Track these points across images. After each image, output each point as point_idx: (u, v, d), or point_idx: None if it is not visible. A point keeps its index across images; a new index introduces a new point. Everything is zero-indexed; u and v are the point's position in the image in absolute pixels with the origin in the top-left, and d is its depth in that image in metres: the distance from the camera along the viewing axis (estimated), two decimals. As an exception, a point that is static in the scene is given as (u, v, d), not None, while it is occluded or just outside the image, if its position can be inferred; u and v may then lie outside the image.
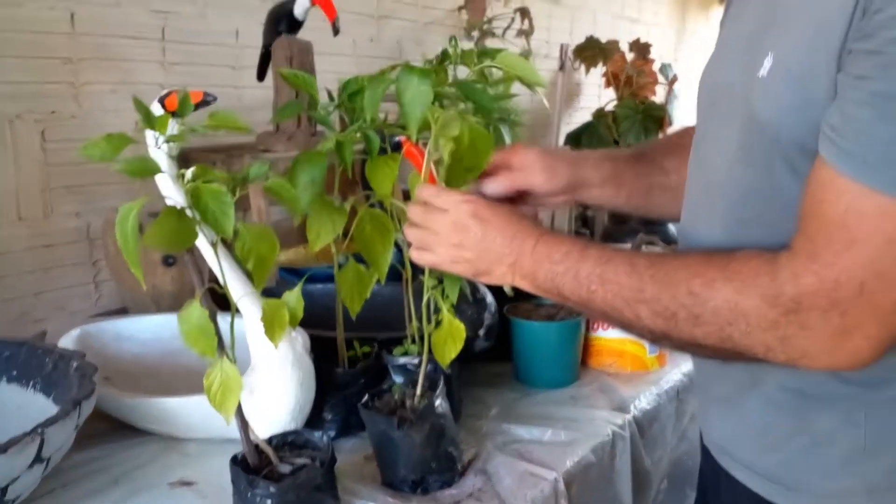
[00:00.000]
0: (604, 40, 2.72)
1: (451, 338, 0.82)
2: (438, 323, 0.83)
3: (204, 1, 1.62)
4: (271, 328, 0.71)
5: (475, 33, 2.28)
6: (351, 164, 0.85)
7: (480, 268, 0.73)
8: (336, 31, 1.43)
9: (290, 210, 0.74)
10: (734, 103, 0.66)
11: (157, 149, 0.82)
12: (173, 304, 1.36)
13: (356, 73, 2.01)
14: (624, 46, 2.79)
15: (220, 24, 1.66)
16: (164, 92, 0.92)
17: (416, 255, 0.77)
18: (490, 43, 2.31)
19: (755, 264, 0.58)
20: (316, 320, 1.10)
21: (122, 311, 1.48)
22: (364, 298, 0.94)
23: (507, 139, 1.21)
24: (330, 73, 1.90)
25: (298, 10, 1.45)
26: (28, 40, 1.34)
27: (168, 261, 1.37)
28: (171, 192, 0.90)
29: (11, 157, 1.34)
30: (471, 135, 0.73)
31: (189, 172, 0.68)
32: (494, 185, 0.83)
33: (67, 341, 1.16)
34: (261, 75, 1.58)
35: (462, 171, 0.76)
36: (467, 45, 2.32)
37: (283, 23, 1.47)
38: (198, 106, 0.90)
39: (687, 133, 0.95)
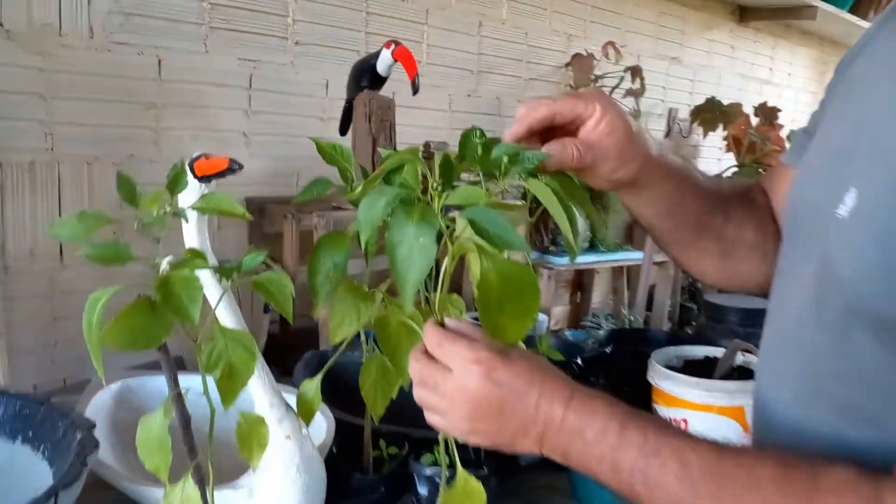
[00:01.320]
0: (727, 102, 2.52)
1: (468, 501, 0.67)
2: (451, 479, 0.69)
3: (294, 51, 1.60)
4: (248, 447, 0.61)
5: (582, 91, 2.15)
6: (374, 253, 0.75)
7: (500, 441, 0.59)
8: (415, 90, 1.36)
9: (283, 312, 0.64)
10: (812, 234, 0.51)
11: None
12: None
13: (449, 130, 1.95)
14: (749, 109, 2.58)
15: (309, 75, 1.63)
16: (196, 154, 0.86)
17: (427, 417, 0.63)
18: (597, 102, 2.17)
19: (851, 502, 0.43)
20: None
21: (178, 361, 1.45)
22: (389, 398, 0.83)
23: (581, 220, 1.07)
24: (423, 129, 1.84)
25: (381, 66, 1.39)
26: (113, 84, 1.35)
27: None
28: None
29: (87, 200, 1.35)
30: (499, 274, 0.57)
31: (166, 261, 0.61)
32: (557, 157, 0.63)
33: (106, 395, 1.13)
34: (343, 130, 1.53)
35: (506, 321, 0.58)
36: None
37: (365, 78, 1.42)
38: (221, 174, 0.83)
39: (757, 189, 0.80)
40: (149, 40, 1.38)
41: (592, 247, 1.92)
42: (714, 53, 2.81)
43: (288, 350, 1.51)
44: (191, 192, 0.84)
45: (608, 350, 1.29)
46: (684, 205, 0.73)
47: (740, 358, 1.14)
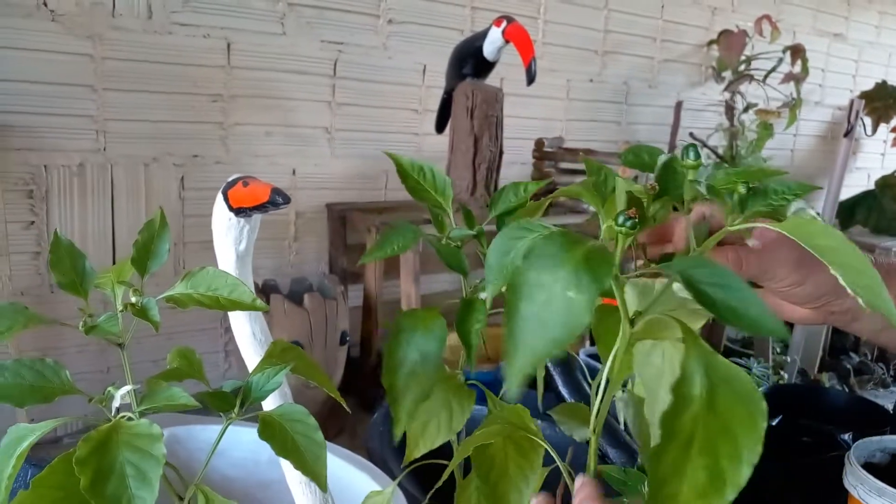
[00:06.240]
0: (902, 87, 2.09)
1: None
2: None
3: (387, 31, 1.35)
4: None
5: (727, 74, 1.81)
6: (481, 342, 0.49)
7: None
8: (531, 79, 1.09)
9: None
10: None
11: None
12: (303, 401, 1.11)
13: (564, 122, 1.66)
14: (930, 96, 2.13)
15: (404, 59, 1.39)
16: (233, 177, 0.63)
17: None
18: (747, 90, 1.82)
19: None
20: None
21: (244, 395, 1.26)
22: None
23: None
24: (534, 121, 1.56)
25: (489, 48, 1.12)
26: (174, 73, 1.15)
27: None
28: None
29: (144, 206, 1.17)
30: (711, 383, 0.30)
31: (120, 394, 0.37)
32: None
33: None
34: (440, 126, 1.28)
35: (700, 472, 0.30)
36: (716, 89, 1.85)
37: (468, 63, 1.16)
38: (261, 208, 0.60)
39: None
40: (216, 21, 1.17)
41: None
42: (885, 28, 2.35)
43: (369, 380, 1.30)
44: (228, 230, 0.62)
45: (774, 423, 0.98)
46: None
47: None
